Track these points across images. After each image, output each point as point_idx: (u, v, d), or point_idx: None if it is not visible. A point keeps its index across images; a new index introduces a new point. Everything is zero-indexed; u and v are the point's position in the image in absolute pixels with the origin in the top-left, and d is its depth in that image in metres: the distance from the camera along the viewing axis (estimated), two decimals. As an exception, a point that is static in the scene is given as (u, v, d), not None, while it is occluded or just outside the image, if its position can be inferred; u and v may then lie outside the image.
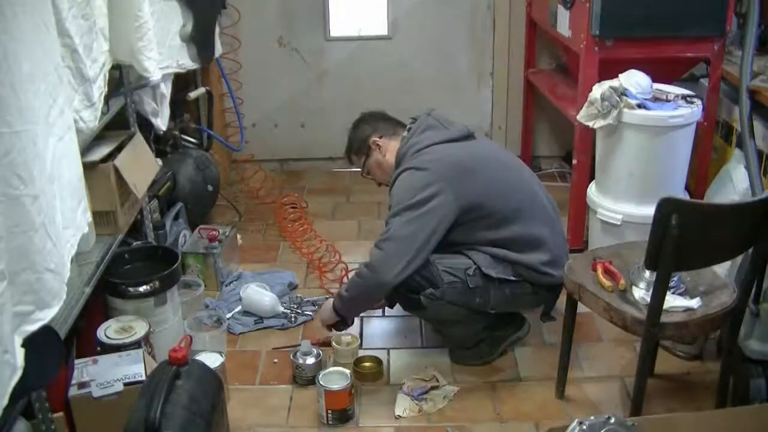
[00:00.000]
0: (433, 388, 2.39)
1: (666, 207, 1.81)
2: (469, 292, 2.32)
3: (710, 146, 3.13)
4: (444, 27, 3.98)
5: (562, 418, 2.25)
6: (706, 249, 1.96)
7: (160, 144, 3.12)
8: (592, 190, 3.03)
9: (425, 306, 2.33)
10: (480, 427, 2.25)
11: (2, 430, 1.56)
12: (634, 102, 2.76)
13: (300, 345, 2.48)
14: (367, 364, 2.49)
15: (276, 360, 2.57)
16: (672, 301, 2.01)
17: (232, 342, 2.66)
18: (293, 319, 2.77)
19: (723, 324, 2.09)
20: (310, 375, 2.40)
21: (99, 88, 2.06)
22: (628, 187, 2.85)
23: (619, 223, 2.85)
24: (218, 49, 3.36)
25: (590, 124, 2.83)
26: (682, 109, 2.76)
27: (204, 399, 1.85)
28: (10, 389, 1.36)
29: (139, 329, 2.19)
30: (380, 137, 2.58)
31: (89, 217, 1.91)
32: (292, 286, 3.03)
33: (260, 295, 2.80)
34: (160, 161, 2.84)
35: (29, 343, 1.44)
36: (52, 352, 1.61)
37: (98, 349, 2.12)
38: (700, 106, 2.82)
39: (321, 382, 2.24)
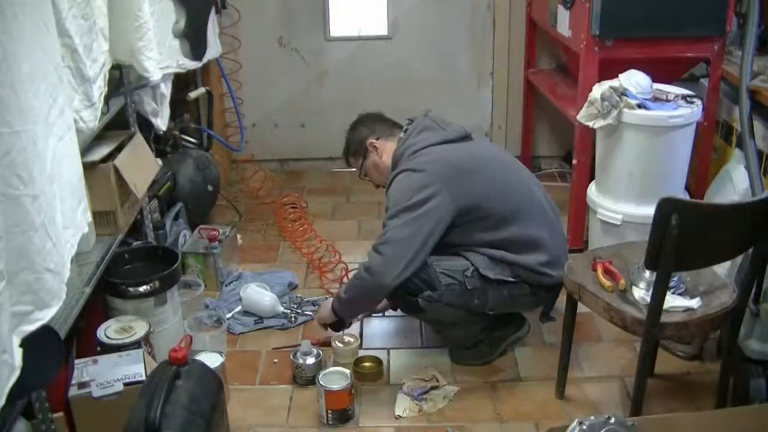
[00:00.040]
0: (433, 388, 2.39)
1: (666, 207, 1.81)
2: (467, 294, 2.32)
3: (710, 146, 3.13)
4: (444, 27, 3.98)
5: (562, 418, 2.25)
6: (706, 249, 1.96)
7: (160, 144, 3.12)
8: (592, 190, 3.03)
9: (424, 308, 2.33)
10: (480, 427, 2.25)
11: (2, 430, 1.56)
12: (634, 102, 2.76)
13: (300, 345, 2.48)
14: (367, 364, 2.49)
15: (276, 360, 2.57)
16: (672, 301, 2.01)
17: (232, 342, 2.66)
18: (293, 319, 2.77)
19: (723, 324, 2.09)
20: (310, 375, 2.40)
21: (99, 88, 2.06)
22: (628, 187, 2.85)
23: (619, 223, 2.85)
24: (218, 49, 3.36)
25: (590, 124, 2.83)
26: (682, 109, 2.76)
27: (204, 399, 1.85)
28: (8, 389, 1.36)
29: (139, 329, 2.19)
30: (377, 139, 2.58)
31: (89, 217, 1.91)
32: (292, 286, 3.03)
33: (260, 295, 2.80)
34: (160, 161, 2.84)
35: (29, 343, 1.44)
36: (52, 352, 1.61)
37: (98, 349, 2.12)
38: (700, 106, 2.82)
39: (321, 382, 2.24)
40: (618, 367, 2.50)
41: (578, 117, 2.90)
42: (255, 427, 2.26)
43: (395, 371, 2.50)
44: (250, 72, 3.96)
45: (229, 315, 2.76)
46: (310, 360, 2.42)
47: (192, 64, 2.94)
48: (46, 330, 1.53)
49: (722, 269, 2.38)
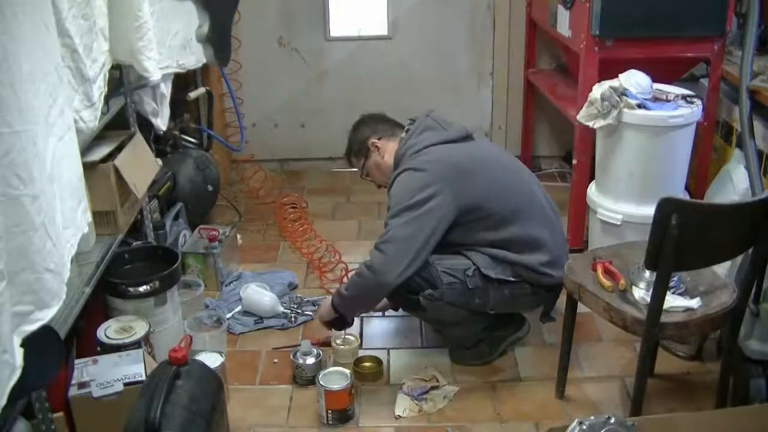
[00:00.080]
0: (433, 388, 2.39)
1: (666, 207, 1.81)
2: (469, 293, 2.32)
3: (710, 146, 3.13)
4: (444, 27, 3.98)
5: (562, 418, 2.25)
6: (706, 249, 1.96)
7: (160, 144, 3.12)
8: (592, 190, 3.03)
9: (424, 307, 2.33)
10: (480, 427, 2.25)
11: (2, 430, 1.56)
12: (634, 102, 2.76)
13: (300, 345, 2.48)
14: (367, 364, 2.49)
15: (276, 360, 2.57)
16: (672, 301, 2.01)
17: (232, 342, 2.66)
18: (293, 319, 2.77)
19: (723, 324, 2.09)
20: (310, 375, 2.40)
21: (99, 88, 2.06)
22: (628, 187, 2.85)
23: (619, 223, 2.85)
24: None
25: (590, 124, 2.83)
26: (682, 109, 2.76)
27: (204, 399, 1.85)
28: (9, 389, 1.36)
29: (139, 329, 2.19)
30: (379, 139, 2.58)
31: (89, 217, 1.91)
32: (292, 286, 3.03)
33: (260, 295, 2.80)
34: (160, 161, 2.84)
35: (29, 343, 1.44)
36: (52, 352, 1.61)
37: (98, 349, 2.12)
38: (700, 106, 2.82)
39: (321, 382, 2.24)
40: (618, 367, 2.50)
41: (578, 117, 2.90)
42: (255, 427, 2.26)
43: (395, 371, 2.50)
44: (250, 72, 3.96)
45: (229, 315, 2.76)
46: (310, 360, 2.42)
47: (192, 65, 2.93)
48: (46, 330, 1.53)
49: (722, 269, 2.38)
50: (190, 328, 2.47)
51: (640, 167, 2.81)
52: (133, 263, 2.49)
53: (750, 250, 1.99)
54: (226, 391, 2.15)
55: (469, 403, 2.34)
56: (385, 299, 2.50)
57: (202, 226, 3.15)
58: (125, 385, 1.92)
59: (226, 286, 2.98)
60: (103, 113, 2.16)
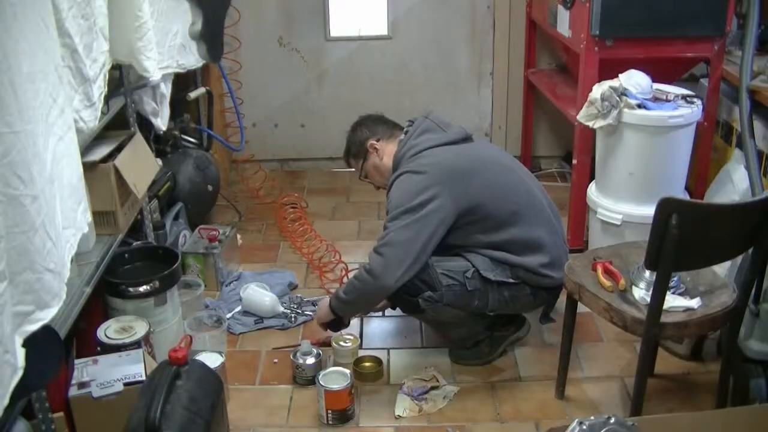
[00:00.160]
0: (433, 388, 2.39)
1: (666, 207, 1.81)
2: (468, 295, 2.32)
3: (710, 146, 3.13)
4: (444, 27, 3.98)
5: (562, 418, 2.25)
6: (706, 249, 1.96)
7: (160, 144, 3.12)
8: (592, 190, 3.03)
9: (424, 309, 2.33)
10: (480, 427, 2.25)
11: (2, 430, 1.56)
12: (634, 102, 2.76)
13: (300, 345, 2.48)
14: (367, 364, 2.50)
15: (276, 360, 2.57)
16: (672, 301, 2.01)
17: (232, 342, 2.66)
18: (293, 319, 2.77)
19: (723, 324, 2.09)
20: (310, 375, 2.40)
21: (99, 88, 2.06)
22: (628, 187, 2.85)
23: (619, 223, 2.85)
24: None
25: (590, 124, 2.83)
26: (682, 109, 2.76)
27: (204, 399, 1.85)
28: (10, 389, 1.36)
29: (139, 329, 2.19)
30: (378, 140, 2.58)
31: (89, 217, 1.91)
32: (292, 286, 3.03)
33: (260, 295, 2.80)
34: (160, 161, 2.84)
35: (29, 343, 1.44)
36: (52, 352, 1.61)
37: (98, 349, 2.12)
38: (700, 106, 2.82)
39: (321, 382, 2.24)
40: (618, 367, 2.50)
41: (578, 117, 2.90)
42: (255, 427, 2.26)
43: (395, 371, 2.50)
44: (250, 72, 3.97)
45: (229, 315, 2.76)
46: (310, 360, 2.42)
47: (192, 64, 2.93)
48: (47, 330, 1.53)
49: (722, 269, 2.38)
50: (190, 328, 2.47)
51: (640, 167, 2.81)
52: (133, 263, 2.49)
53: (750, 250, 2.00)
54: (226, 391, 2.15)
55: (469, 403, 2.34)
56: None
57: (202, 226, 3.15)
58: (125, 385, 1.92)
59: (226, 286, 2.98)
60: (103, 113, 2.16)
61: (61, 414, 1.82)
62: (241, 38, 3.84)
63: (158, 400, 1.73)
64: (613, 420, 1.52)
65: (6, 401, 1.35)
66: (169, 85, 2.79)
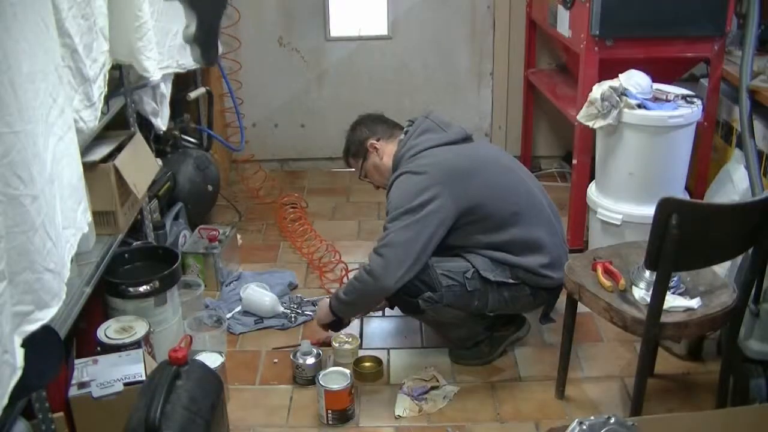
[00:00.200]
0: (433, 388, 2.39)
1: (666, 207, 1.81)
2: (468, 296, 2.32)
3: (710, 146, 3.13)
4: (444, 27, 3.98)
5: (562, 418, 2.25)
6: (706, 249, 1.96)
7: (160, 144, 3.12)
8: (592, 190, 3.03)
9: (424, 309, 2.33)
10: (480, 427, 2.25)
11: (2, 430, 1.56)
12: (634, 102, 2.76)
13: (300, 345, 2.48)
14: (367, 364, 2.49)
15: (276, 360, 2.57)
16: (672, 301, 2.01)
17: (232, 342, 2.66)
18: (293, 319, 2.77)
19: (723, 324, 2.09)
20: (310, 375, 2.40)
21: (99, 88, 2.06)
22: (628, 187, 2.85)
23: (619, 223, 2.85)
24: (218, 49, 3.36)
25: (590, 124, 2.83)
26: (682, 109, 2.76)
27: (204, 399, 1.85)
28: (10, 389, 1.36)
29: (139, 329, 2.19)
30: (377, 140, 2.57)
31: (89, 217, 1.91)
32: (292, 286, 3.03)
33: (260, 295, 2.80)
34: (160, 161, 2.84)
35: (29, 343, 1.44)
36: (52, 352, 1.61)
37: (98, 349, 2.12)
38: (700, 106, 2.82)
39: (321, 382, 2.24)
40: (618, 367, 2.50)
41: (578, 117, 2.90)
42: (255, 427, 2.26)
43: (395, 371, 2.50)
44: (250, 72, 3.97)
45: (229, 315, 2.76)
46: (310, 360, 2.42)
47: (192, 64, 2.94)
48: (47, 330, 1.53)
49: (722, 269, 2.38)
50: (190, 328, 2.47)
51: (640, 167, 2.81)
52: (133, 263, 2.49)
53: (750, 250, 1.99)
54: (226, 391, 2.15)
55: (469, 403, 2.34)
56: (383, 299, 2.50)
57: (202, 226, 3.15)
58: (125, 385, 1.92)
59: (226, 286, 2.98)
60: (103, 113, 2.16)
61: (61, 414, 1.82)
62: (241, 38, 3.84)
63: (158, 400, 1.73)
64: (613, 420, 1.52)
65: (5, 401, 1.35)
66: (169, 85, 2.79)
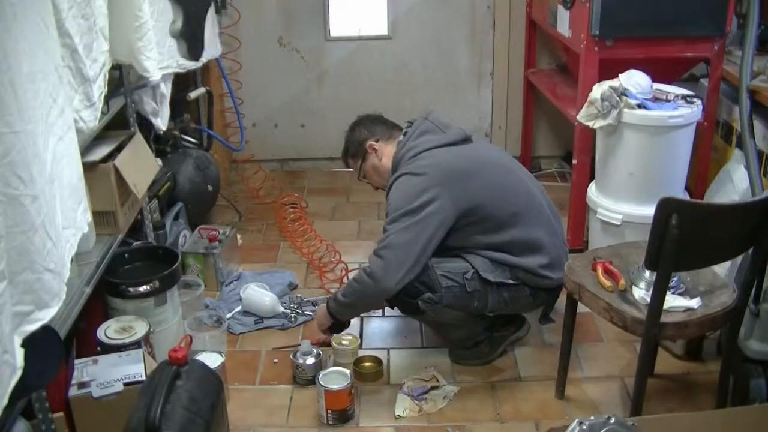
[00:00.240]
0: (433, 388, 2.39)
1: (666, 207, 1.81)
2: (467, 296, 2.32)
3: (710, 146, 3.13)
4: (444, 27, 3.98)
5: (562, 418, 2.25)
6: (706, 249, 1.96)
7: (160, 144, 3.12)
8: (592, 190, 3.03)
9: (424, 310, 2.33)
10: (480, 427, 2.25)
11: (2, 430, 1.56)
12: (634, 102, 2.76)
13: (300, 345, 2.48)
14: (367, 364, 2.49)
15: (276, 360, 2.57)
16: (672, 301, 2.01)
17: (232, 342, 2.66)
18: (293, 319, 2.77)
19: (723, 324, 2.09)
20: (310, 375, 2.40)
21: (99, 88, 2.06)
22: (628, 187, 2.85)
23: (619, 223, 2.85)
24: (218, 49, 3.36)
25: (590, 124, 2.83)
26: (682, 109, 2.76)
27: (204, 399, 1.85)
28: (9, 389, 1.36)
29: (139, 329, 2.19)
30: (377, 141, 2.57)
31: (89, 217, 1.91)
32: (292, 286, 3.03)
33: (260, 295, 2.80)
34: (160, 161, 2.84)
35: (29, 343, 1.44)
36: (52, 352, 1.61)
37: (98, 349, 2.12)
38: (700, 106, 2.82)
39: (321, 382, 2.24)
40: (618, 367, 2.50)
41: (578, 117, 2.90)
42: (255, 427, 2.26)
43: (395, 371, 2.50)
44: (250, 72, 3.97)
45: (229, 315, 2.76)
46: (310, 360, 2.42)
47: (191, 64, 2.94)
48: (46, 330, 1.53)
49: (722, 269, 2.38)
50: (190, 328, 2.47)
51: (640, 167, 2.81)
52: (133, 263, 2.49)
53: (750, 250, 2.00)
54: (226, 391, 2.15)
55: (469, 403, 2.34)
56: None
57: (202, 226, 3.15)
58: (125, 385, 1.92)
59: (226, 286, 2.98)
60: (103, 113, 2.16)
61: (61, 414, 1.82)
62: (241, 38, 3.84)
63: (158, 400, 1.73)
64: (613, 420, 1.52)
65: (5, 401, 1.35)
66: (169, 85, 2.79)
